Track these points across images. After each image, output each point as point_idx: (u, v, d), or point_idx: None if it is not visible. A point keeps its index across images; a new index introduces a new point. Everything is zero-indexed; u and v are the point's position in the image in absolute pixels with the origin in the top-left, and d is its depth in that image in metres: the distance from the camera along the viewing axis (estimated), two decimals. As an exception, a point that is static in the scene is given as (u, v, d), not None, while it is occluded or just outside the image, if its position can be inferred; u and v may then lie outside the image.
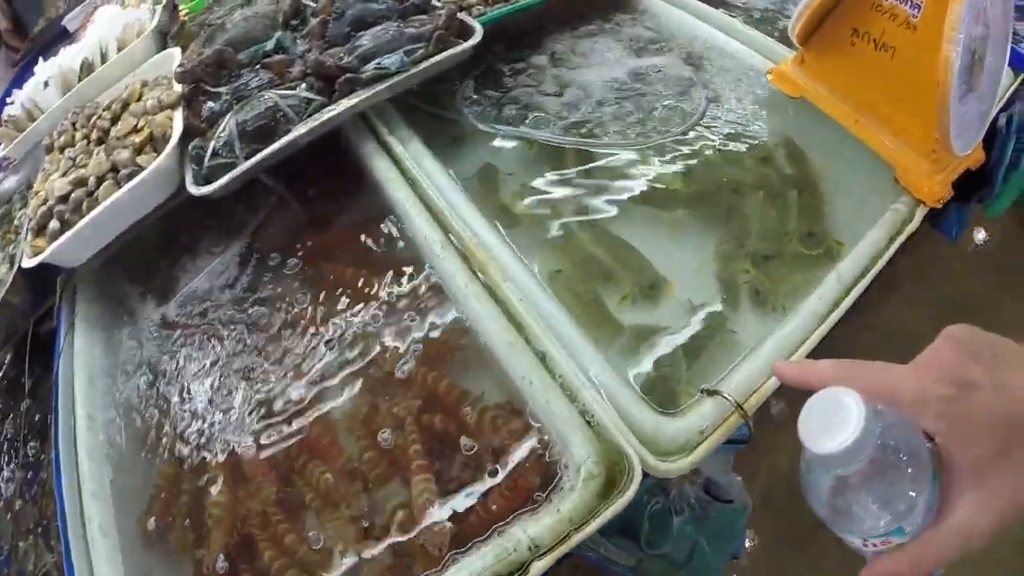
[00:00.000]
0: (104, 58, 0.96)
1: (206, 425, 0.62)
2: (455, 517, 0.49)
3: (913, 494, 0.30)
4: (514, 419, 0.52)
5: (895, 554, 0.31)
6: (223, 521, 0.55)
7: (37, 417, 0.74)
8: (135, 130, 0.76)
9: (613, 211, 0.67)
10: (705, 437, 0.48)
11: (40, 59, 1.05)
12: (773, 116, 0.75)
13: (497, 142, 0.77)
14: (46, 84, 0.97)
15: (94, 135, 0.79)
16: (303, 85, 0.72)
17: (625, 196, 0.69)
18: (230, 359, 0.65)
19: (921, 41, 0.58)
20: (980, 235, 1.32)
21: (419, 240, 0.65)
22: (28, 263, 0.69)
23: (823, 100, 0.73)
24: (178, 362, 0.68)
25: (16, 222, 0.84)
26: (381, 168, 0.71)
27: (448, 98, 0.82)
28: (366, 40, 0.73)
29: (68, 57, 0.99)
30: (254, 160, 0.66)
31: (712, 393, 0.50)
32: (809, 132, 0.72)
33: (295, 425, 0.58)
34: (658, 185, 0.69)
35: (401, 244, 0.68)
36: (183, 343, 0.69)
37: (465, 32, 0.76)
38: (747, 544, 0.99)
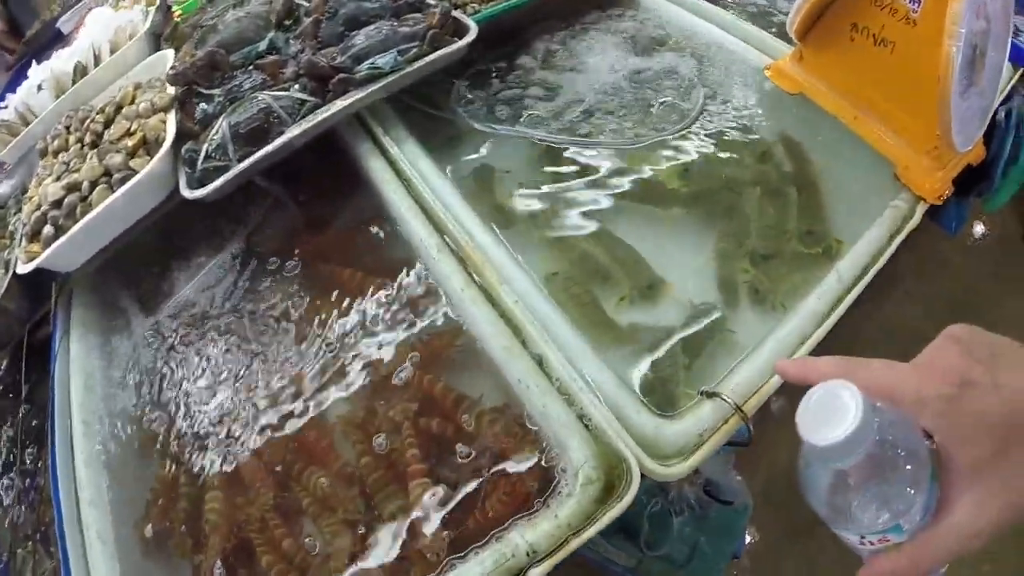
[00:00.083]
0: (97, 61, 0.96)
1: (203, 430, 0.61)
2: (452, 522, 0.48)
3: (911, 492, 0.30)
4: (511, 423, 0.51)
5: (893, 553, 0.31)
6: (220, 527, 0.55)
7: (34, 423, 0.74)
8: (128, 133, 0.75)
9: (610, 210, 0.67)
10: (704, 440, 0.48)
11: (34, 62, 1.04)
12: (771, 113, 0.75)
13: (493, 141, 0.76)
14: (39, 88, 0.96)
15: (87, 139, 0.78)
16: (296, 86, 0.71)
17: (622, 195, 0.68)
18: (226, 363, 0.65)
19: (921, 36, 0.57)
20: (979, 228, 1.31)
21: (415, 242, 0.64)
22: (23, 269, 0.69)
23: (822, 96, 0.72)
24: (174, 367, 0.67)
25: (11, 227, 0.84)
26: (376, 169, 0.71)
27: (443, 97, 0.82)
28: (359, 39, 0.73)
29: (61, 60, 0.98)
30: (247, 163, 0.66)
31: (711, 395, 0.50)
32: (808, 129, 0.72)
33: (292, 430, 0.58)
34: (656, 184, 0.69)
35: (397, 246, 0.67)
36: (179, 348, 0.69)
37: (460, 30, 0.75)
38: (747, 540, 0.99)
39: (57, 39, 1.28)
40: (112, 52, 0.95)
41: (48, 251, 0.68)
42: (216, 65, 0.76)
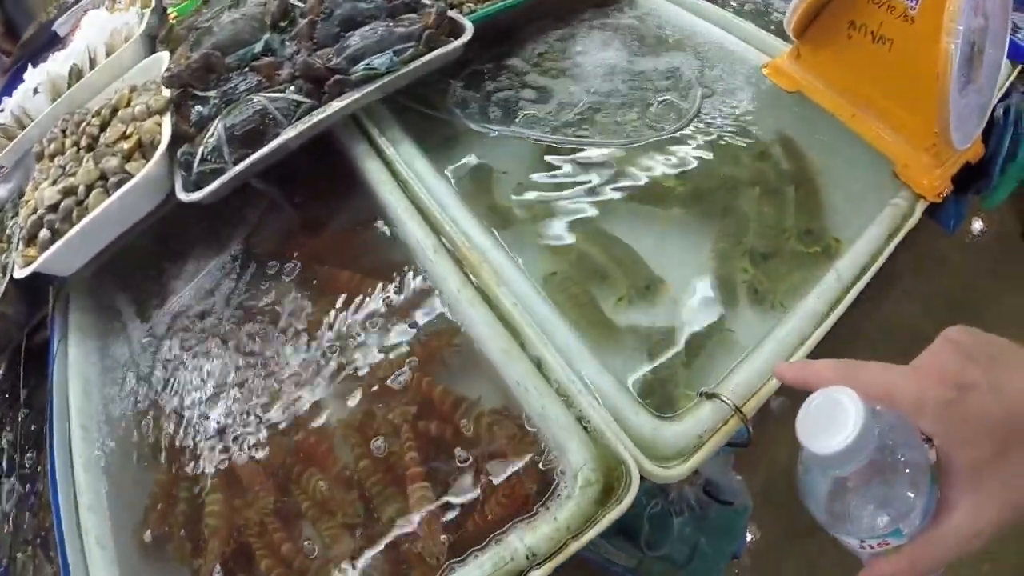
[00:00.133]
0: (93, 64, 0.95)
1: (201, 434, 0.61)
2: (452, 525, 0.48)
3: (911, 496, 0.30)
4: (510, 425, 0.51)
5: (893, 556, 0.31)
6: (219, 531, 0.55)
7: (33, 428, 0.74)
8: (124, 136, 0.75)
9: (608, 210, 0.67)
10: (704, 442, 0.48)
11: (29, 65, 1.04)
12: (769, 111, 0.74)
13: (490, 141, 0.76)
14: (35, 91, 0.96)
15: (83, 142, 0.78)
16: (292, 87, 0.71)
17: (620, 195, 0.68)
18: (224, 366, 0.65)
19: (919, 33, 0.57)
20: (977, 225, 1.31)
21: (412, 243, 0.64)
22: (20, 273, 0.69)
23: (820, 94, 0.72)
24: (172, 371, 0.67)
25: (8, 231, 0.83)
26: (372, 170, 0.70)
27: (440, 97, 0.81)
28: (355, 40, 0.72)
29: (57, 63, 0.98)
30: (242, 165, 0.65)
31: (711, 396, 0.50)
32: (806, 127, 0.71)
33: (290, 433, 0.58)
34: (653, 183, 0.69)
35: (395, 248, 0.67)
36: (177, 351, 0.69)
37: (456, 30, 0.75)
38: (748, 538, 0.99)
39: (53, 42, 1.28)
40: (108, 55, 0.95)
41: (44, 255, 0.68)
42: (211, 67, 0.75)
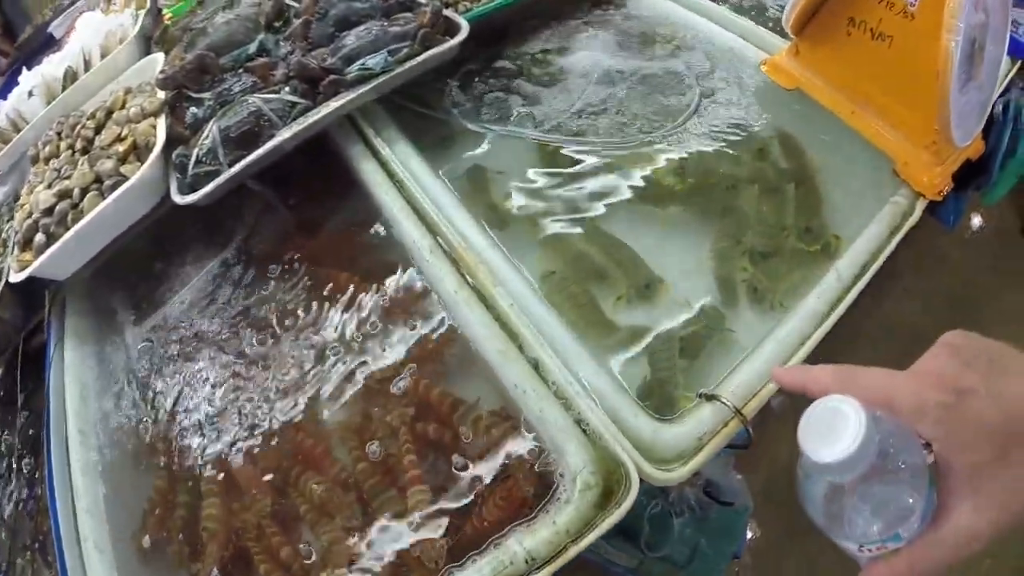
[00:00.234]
0: (88, 66, 0.95)
1: (199, 437, 0.61)
2: (450, 529, 0.48)
3: (910, 500, 0.30)
4: (508, 428, 0.51)
5: (891, 559, 0.32)
6: (218, 535, 0.54)
7: (31, 432, 0.74)
8: (119, 139, 0.75)
9: (606, 209, 0.66)
10: (704, 444, 0.48)
11: (24, 68, 1.03)
12: (768, 109, 0.74)
13: (486, 141, 0.75)
14: (30, 94, 0.96)
15: (78, 145, 0.77)
16: (287, 88, 0.70)
17: (618, 194, 0.68)
18: (221, 369, 0.65)
19: (920, 30, 0.57)
20: (976, 220, 1.31)
21: (408, 244, 0.64)
22: (15, 277, 0.69)
23: (819, 91, 0.71)
24: (169, 374, 0.67)
25: (3, 235, 0.83)
26: (368, 171, 0.70)
27: (436, 97, 0.81)
28: (350, 40, 0.72)
29: (52, 66, 0.98)
30: (238, 167, 0.65)
31: (711, 398, 0.49)
32: (805, 124, 0.71)
33: (288, 436, 0.58)
34: (652, 182, 0.68)
35: (391, 248, 0.67)
36: (174, 354, 0.68)
37: (451, 29, 0.75)
38: (748, 536, 0.99)
39: (49, 44, 1.27)
40: (103, 57, 0.95)
41: (40, 259, 0.67)
42: (206, 68, 0.75)
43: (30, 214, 0.72)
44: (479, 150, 0.74)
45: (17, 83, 1.01)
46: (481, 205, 0.67)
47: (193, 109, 0.73)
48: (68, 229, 0.68)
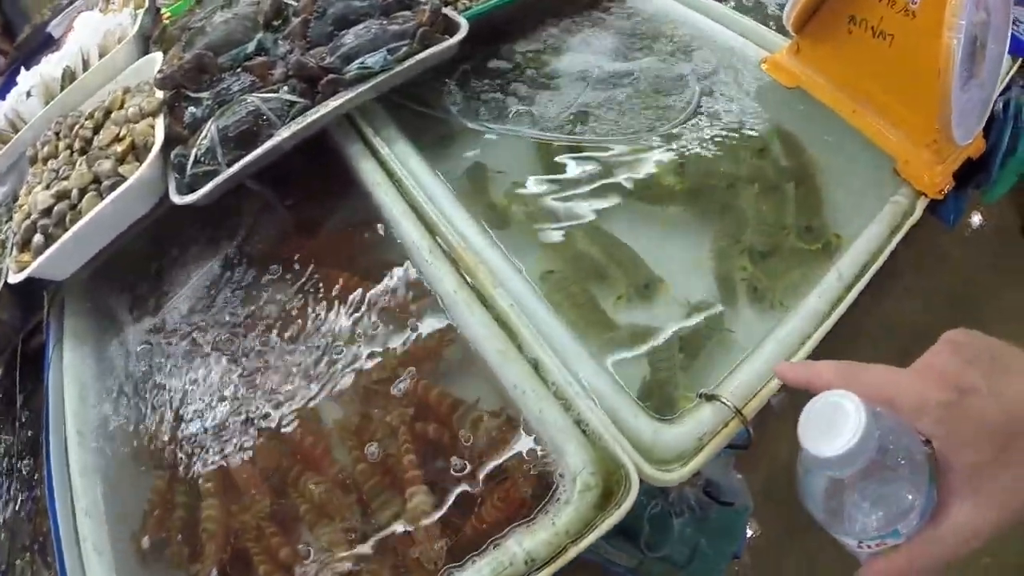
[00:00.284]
0: (86, 66, 0.95)
1: (198, 438, 0.61)
2: (450, 529, 0.48)
3: (910, 497, 0.30)
4: (508, 429, 0.51)
5: (891, 555, 0.32)
6: (217, 536, 0.54)
7: (30, 433, 0.74)
8: (117, 139, 0.75)
9: (606, 208, 0.66)
10: (704, 444, 0.47)
11: (23, 68, 1.03)
12: (768, 107, 0.74)
13: (486, 140, 0.75)
14: (28, 94, 0.95)
15: (77, 145, 0.77)
16: (285, 87, 0.70)
17: (618, 193, 0.67)
18: (220, 370, 0.65)
19: (921, 28, 0.56)
20: (976, 218, 1.30)
21: (407, 244, 0.63)
22: (14, 278, 0.69)
23: (819, 90, 0.71)
24: (168, 374, 0.67)
25: (2, 236, 0.83)
26: (367, 170, 0.70)
27: (435, 96, 0.81)
28: (349, 39, 0.71)
29: (50, 65, 0.97)
30: (236, 167, 0.65)
31: (711, 398, 0.49)
32: (805, 123, 0.71)
33: (287, 436, 0.58)
34: (652, 181, 0.68)
35: (391, 248, 0.67)
36: (173, 355, 0.68)
37: (450, 28, 0.74)
38: (748, 534, 0.99)
39: (48, 43, 1.27)
40: (101, 56, 0.94)
41: (38, 260, 0.67)
42: (204, 68, 0.75)
43: (28, 215, 0.72)
44: (479, 149, 0.74)
45: (15, 83, 1.01)
46: (481, 204, 0.67)
47: (191, 109, 0.72)
48: (66, 230, 0.68)
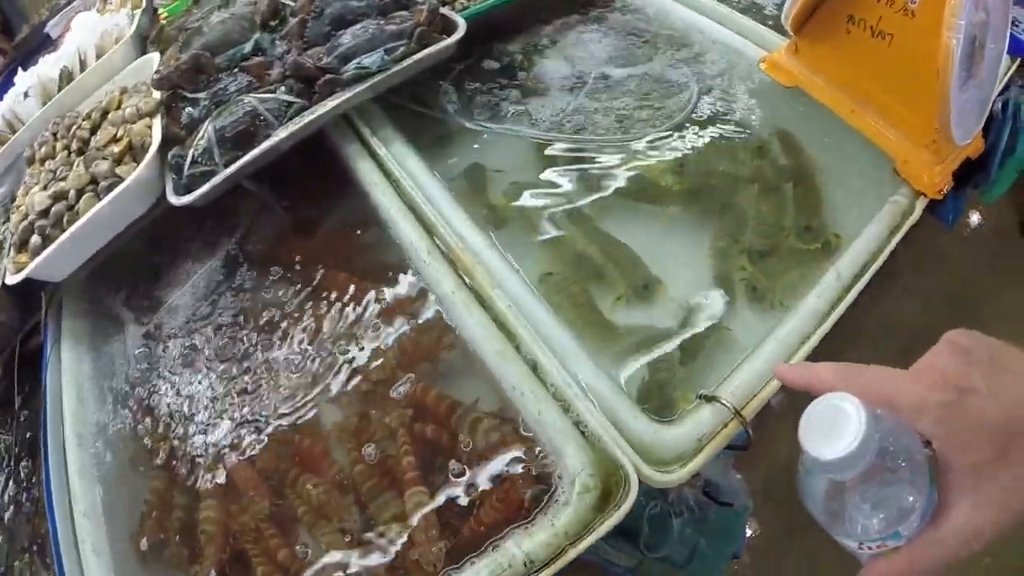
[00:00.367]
0: (83, 66, 0.94)
1: (196, 439, 0.61)
2: (449, 531, 0.48)
3: (911, 499, 0.30)
4: (506, 430, 0.51)
5: (892, 557, 0.32)
6: (215, 537, 0.54)
7: (28, 434, 0.74)
8: (114, 139, 0.74)
9: (605, 209, 0.66)
10: (703, 445, 0.47)
11: (20, 69, 1.03)
12: (767, 107, 0.74)
13: (484, 140, 0.75)
14: (26, 95, 0.95)
15: (74, 146, 0.77)
16: (282, 88, 0.70)
17: (617, 193, 0.67)
18: (218, 371, 0.64)
19: (920, 28, 0.56)
20: (975, 219, 1.30)
21: (405, 245, 0.63)
22: (11, 279, 0.68)
23: (818, 89, 0.71)
24: (166, 375, 0.67)
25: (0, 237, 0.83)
26: (365, 171, 0.70)
27: (433, 96, 0.80)
28: (346, 39, 0.71)
29: (47, 66, 0.97)
30: (233, 168, 0.65)
31: (710, 399, 0.49)
32: (804, 123, 0.71)
33: (285, 437, 0.58)
34: (650, 181, 0.68)
35: (389, 249, 0.67)
36: (171, 355, 0.68)
37: (448, 27, 0.74)
38: (748, 534, 0.99)
39: (46, 44, 1.27)
40: (98, 56, 0.94)
41: (36, 261, 0.67)
42: (201, 68, 0.74)
43: (26, 216, 0.72)
44: (477, 149, 0.74)
45: (13, 84, 1.00)
46: (479, 204, 0.67)
47: (189, 109, 0.72)
48: (64, 231, 0.68)
